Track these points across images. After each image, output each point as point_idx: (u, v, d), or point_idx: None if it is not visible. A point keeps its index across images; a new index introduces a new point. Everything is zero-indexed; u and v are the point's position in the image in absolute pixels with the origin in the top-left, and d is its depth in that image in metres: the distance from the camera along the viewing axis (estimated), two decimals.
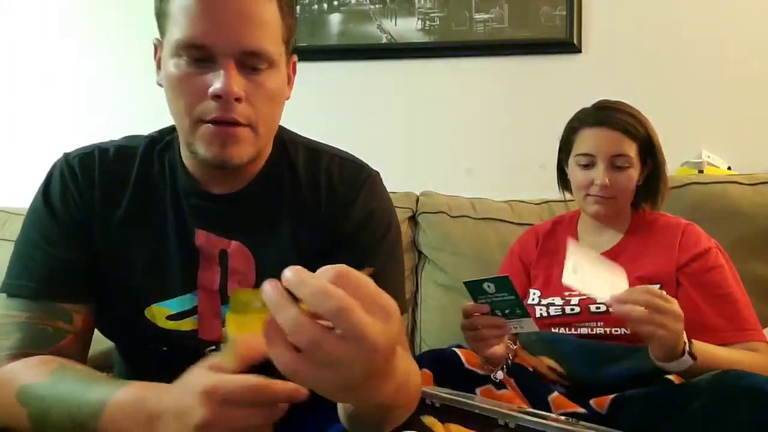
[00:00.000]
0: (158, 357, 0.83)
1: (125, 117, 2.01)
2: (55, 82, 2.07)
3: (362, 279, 0.44)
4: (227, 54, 0.70)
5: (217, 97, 0.70)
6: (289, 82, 0.83)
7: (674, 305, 0.94)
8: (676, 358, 0.96)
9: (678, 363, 0.97)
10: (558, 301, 1.20)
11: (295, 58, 0.83)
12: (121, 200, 0.82)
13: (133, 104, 2.02)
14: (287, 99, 0.82)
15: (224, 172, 0.79)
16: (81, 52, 2.06)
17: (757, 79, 1.72)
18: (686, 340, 0.96)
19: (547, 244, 1.32)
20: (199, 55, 0.71)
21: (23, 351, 0.74)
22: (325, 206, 0.84)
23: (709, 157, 1.68)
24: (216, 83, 0.69)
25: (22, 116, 2.10)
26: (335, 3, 1.89)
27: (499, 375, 1.05)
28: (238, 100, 0.71)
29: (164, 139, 0.86)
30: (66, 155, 0.84)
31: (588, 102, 1.25)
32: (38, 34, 2.08)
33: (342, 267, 0.44)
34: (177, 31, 0.71)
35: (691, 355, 0.96)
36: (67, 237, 0.79)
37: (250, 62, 0.72)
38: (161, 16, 0.74)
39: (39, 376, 0.69)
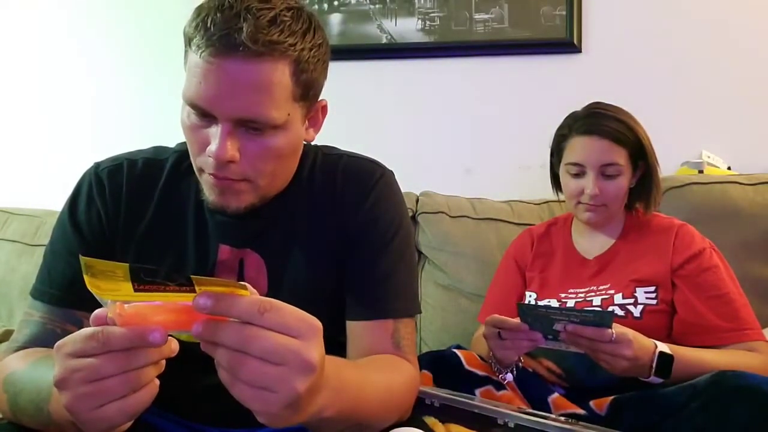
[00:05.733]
0: (168, 364, 0.83)
1: (126, 116, 2.03)
2: (56, 81, 2.07)
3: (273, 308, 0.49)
4: (224, 118, 0.71)
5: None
6: (316, 125, 0.83)
7: (619, 347, 0.93)
8: (645, 377, 0.98)
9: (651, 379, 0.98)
10: (554, 303, 1.20)
11: (324, 102, 0.83)
12: (145, 214, 0.84)
13: (132, 102, 2.03)
14: (311, 141, 0.83)
15: None
16: (81, 51, 2.06)
17: (757, 79, 1.71)
18: (653, 363, 0.96)
19: (541, 246, 1.32)
20: (202, 112, 0.72)
21: (28, 345, 0.77)
22: (336, 207, 0.84)
23: (709, 157, 1.67)
24: (212, 145, 0.71)
25: (22, 116, 2.10)
26: (335, 3, 1.89)
27: (509, 377, 1.05)
28: (231, 161, 0.72)
29: None
30: (96, 166, 0.86)
31: (588, 102, 1.24)
32: (39, 32, 2.08)
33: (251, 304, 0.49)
34: (185, 87, 0.72)
35: (662, 372, 0.97)
36: (88, 250, 0.80)
37: (250, 125, 0.72)
38: (184, 62, 0.75)
39: (22, 364, 0.71)
